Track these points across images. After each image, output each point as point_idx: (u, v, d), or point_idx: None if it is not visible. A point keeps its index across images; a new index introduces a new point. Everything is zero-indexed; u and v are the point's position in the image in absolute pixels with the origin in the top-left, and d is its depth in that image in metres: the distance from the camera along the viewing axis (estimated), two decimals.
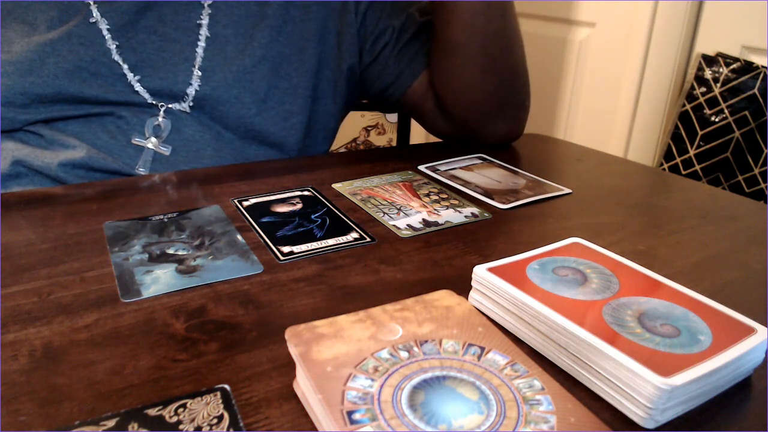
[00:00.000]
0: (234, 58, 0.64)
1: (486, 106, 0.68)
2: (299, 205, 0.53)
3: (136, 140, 0.61)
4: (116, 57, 0.60)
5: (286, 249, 0.45)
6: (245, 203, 0.53)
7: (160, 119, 0.62)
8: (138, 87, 0.61)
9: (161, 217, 0.49)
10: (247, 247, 0.45)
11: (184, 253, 0.44)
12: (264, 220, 0.49)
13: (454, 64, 0.66)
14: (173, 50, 0.62)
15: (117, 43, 0.60)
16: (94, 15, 0.59)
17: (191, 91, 0.62)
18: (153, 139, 0.62)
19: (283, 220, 0.50)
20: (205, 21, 0.63)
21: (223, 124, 0.64)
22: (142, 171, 0.61)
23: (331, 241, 0.46)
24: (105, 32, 0.60)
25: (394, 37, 0.70)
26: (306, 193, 0.55)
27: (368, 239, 0.47)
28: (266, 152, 0.67)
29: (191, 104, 0.63)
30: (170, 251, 0.44)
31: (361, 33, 0.70)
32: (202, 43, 0.63)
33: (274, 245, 0.45)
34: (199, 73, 0.62)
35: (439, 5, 0.64)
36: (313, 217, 0.51)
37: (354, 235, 0.48)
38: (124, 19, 0.61)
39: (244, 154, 0.65)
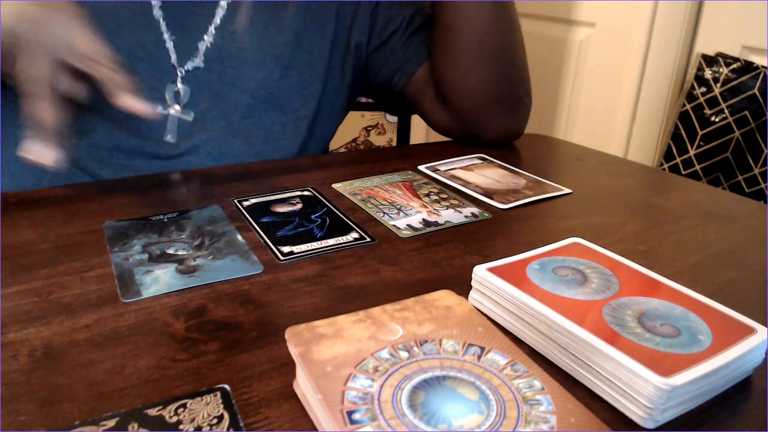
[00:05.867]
0: (260, 25, 0.65)
1: (483, 97, 0.69)
2: (299, 205, 0.53)
3: (159, 109, 0.61)
4: (156, 11, 0.61)
5: (286, 249, 0.45)
6: (245, 203, 0.53)
7: (179, 85, 0.62)
8: (169, 44, 0.61)
9: (161, 217, 0.49)
10: (247, 247, 0.45)
11: (184, 253, 0.44)
12: (264, 220, 0.49)
13: (449, 50, 0.68)
14: (202, 8, 0.63)
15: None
16: None
17: (210, 46, 0.63)
18: (176, 106, 0.62)
19: (283, 220, 0.50)
20: None
21: (243, 87, 0.65)
22: (170, 138, 0.61)
23: (331, 241, 0.46)
24: None
25: (403, 25, 0.72)
26: (306, 193, 0.55)
27: (368, 239, 0.47)
28: (281, 119, 0.68)
29: (211, 64, 0.63)
30: (170, 251, 0.44)
31: (373, 17, 0.72)
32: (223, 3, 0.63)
33: (274, 245, 0.45)
34: (219, 33, 0.63)
35: None
36: (313, 217, 0.50)
37: (354, 235, 0.48)
38: None
39: (260, 122, 0.66)
